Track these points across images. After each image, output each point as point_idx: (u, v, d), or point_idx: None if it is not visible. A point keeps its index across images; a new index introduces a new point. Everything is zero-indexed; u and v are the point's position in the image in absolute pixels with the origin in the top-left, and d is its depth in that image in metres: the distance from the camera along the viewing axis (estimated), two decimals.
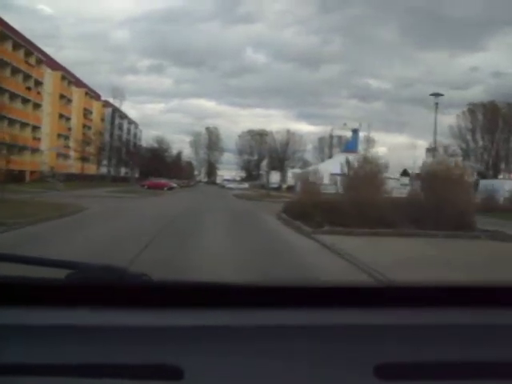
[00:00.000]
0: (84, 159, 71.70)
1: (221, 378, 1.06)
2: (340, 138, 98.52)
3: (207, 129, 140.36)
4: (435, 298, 1.26)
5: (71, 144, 70.18)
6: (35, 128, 63.60)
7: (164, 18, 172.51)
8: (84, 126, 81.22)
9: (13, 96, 57.77)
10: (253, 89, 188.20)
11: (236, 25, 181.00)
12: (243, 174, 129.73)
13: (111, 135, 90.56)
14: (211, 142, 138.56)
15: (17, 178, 44.85)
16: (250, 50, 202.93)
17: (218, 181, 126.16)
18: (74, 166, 77.54)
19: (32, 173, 62.06)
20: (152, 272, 1.34)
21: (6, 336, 1.13)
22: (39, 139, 65.15)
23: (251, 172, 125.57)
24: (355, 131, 72.31)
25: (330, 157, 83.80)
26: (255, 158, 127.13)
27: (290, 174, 67.61)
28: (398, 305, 1.24)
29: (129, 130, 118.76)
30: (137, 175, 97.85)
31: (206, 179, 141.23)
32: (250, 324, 1.18)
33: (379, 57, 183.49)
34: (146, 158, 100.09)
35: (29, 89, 62.03)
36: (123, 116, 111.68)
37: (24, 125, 60.10)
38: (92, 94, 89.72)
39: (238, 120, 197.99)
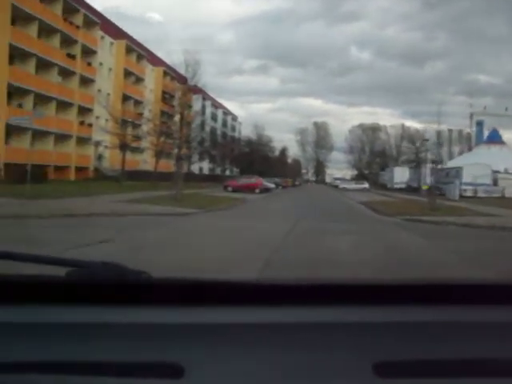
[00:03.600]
0: (161, 154, 53.71)
1: (221, 376, 1.06)
2: (460, 132, 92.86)
3: (315, 123, 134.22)
4: (433, 296, 1.24)
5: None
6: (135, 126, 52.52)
7: (268, 19, 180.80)
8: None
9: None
10: (358, 87, 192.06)
11: (340, 24, 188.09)
12: (353, 173, 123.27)
13: (201, 126, 72.87)
14: (319, 137, 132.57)
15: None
16: (354, 49, 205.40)
17: (328, 180, 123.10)
18: (149, 162, 62.91)
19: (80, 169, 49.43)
20: (152, 270, 1.33)
21: (7, 334, 1.13)
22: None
23: (362, 170, 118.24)
24: (479, 124, 67.18)
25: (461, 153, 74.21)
26: (366, 154, 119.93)
27: (428, 171, 47.37)
28: (397, 302, 1.22)
29: (224, 121, 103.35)
30: (227, 173, 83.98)
31: (313, 178, 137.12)
32: (249, 322, 1.17)
33: (487, 51, 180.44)
34: (244, 153, 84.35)
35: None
36: (217, 105, 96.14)
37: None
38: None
39: (345, 118, 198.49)
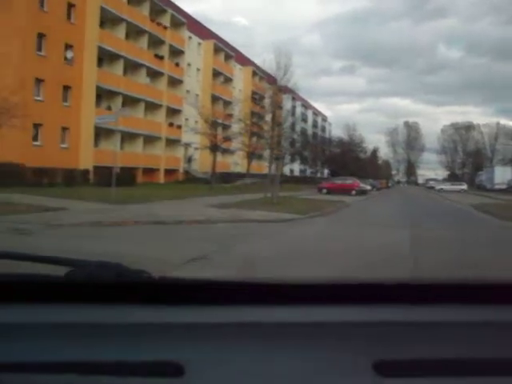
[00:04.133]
0: (253, 155, 51.86)
1: (221, 375, 1.06)
2: None
3: (406, 123, 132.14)
4: (434, 295, 1.25)
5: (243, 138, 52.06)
6: (225, 127, 51.32)
7: (353, 18, 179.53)
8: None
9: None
10: (448, 85, 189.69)
11: (427, 21, 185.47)
12: (445, 173, 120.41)
13: (292, 126, 70.86)
14: (410, 138, 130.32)
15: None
16: (442, 46, 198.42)
17: (420, 181, 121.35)
18: (240, 163, 62.25)
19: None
20: (151, 269, 1.32)
21: (6, 334, 1.13)
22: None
23: (455, 171, 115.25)
24: None
25: None
26: (459, 154, 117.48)
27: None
28: (398, 302, 1.23)
29: (315, 122, 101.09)
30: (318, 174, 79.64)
31: (404, 179, 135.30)
32: (250, 321, 1.17)
33: None
34: (335, 154, 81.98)
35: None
36: (307, 105, 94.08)
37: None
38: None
39: (433, 118, 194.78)
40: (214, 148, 42.35)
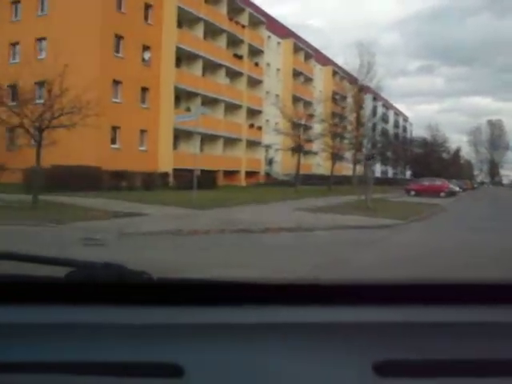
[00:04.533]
0: (337, 156, 49.76)
1: (221, 376, 1.06)
2: None
3: (489, 122, 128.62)
4: (434, 296, 1.25)
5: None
6: (306, 128, 47.99)
7: (431, 16, 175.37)
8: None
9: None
10: None
11: (508, 14, 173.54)
12: None
13: (373, 127, 68.42)
14: (494, 136, 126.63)
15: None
16: None
17: (505, 181, 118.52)
18: (322, 165, 60.12)
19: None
20: (152, 270, 1.31)
21: (7, 334, 1.14)
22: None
23: None
24: None
25: None
26: None
27: None
28: (398, 302, 1.23)
29: (396, 122, 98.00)
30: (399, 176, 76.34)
31: (487, 180, 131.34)
32: (249, 321, 1.18)
33: None
34: (417, 154, 79.10)
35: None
36: (388, 106, 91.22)
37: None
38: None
39: None
40: (298, 149, 40.54)
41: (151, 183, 30.97)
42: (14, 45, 35.65)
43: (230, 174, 45.18)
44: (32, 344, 1.12)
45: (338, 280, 1.37)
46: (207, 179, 34.20)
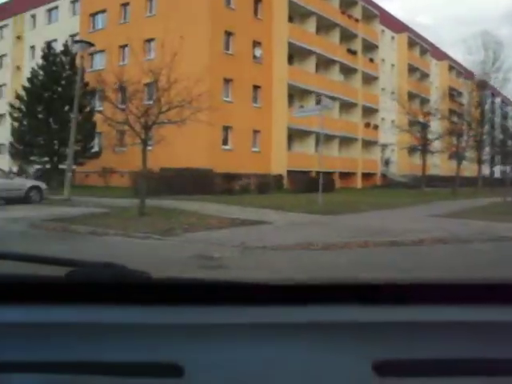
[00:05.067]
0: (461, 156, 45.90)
1: (221, 376, 1.07)
2: None
3: None
4: (434, 295, 1.25)
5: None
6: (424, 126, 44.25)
7: None
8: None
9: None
10: None
11: None
12: None
13: (492, 124, 63.46)
14: None
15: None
16: None
17: None
18: (439, 166, 56.17)
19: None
20: (152, 270, 1.30)
21: (7, 334, 1.14)
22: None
23: None
24: None
25: None
26: None
27: None
28: (398, 302, 1.23)
29: None
30: None
31: None
32: (249, 321, 1.18)
33: None
34: None
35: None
36: (507, 102, 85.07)
37: None
38: None
39: None
40: (423, 148, 37.40)
41: (265, 186, 28.88)
42: (122, 47, 35.00)
43: (346, 175, 42.58)
44: (32, 344, 1.11)
45: (337, 280, 1.39)
46: (325, 181, 31.82)
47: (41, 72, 33.18)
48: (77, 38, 35.72)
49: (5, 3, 51.89)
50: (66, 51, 33.82)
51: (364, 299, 1.23)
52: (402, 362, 1.09)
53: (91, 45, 23.02)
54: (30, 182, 20.99)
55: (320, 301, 1.21)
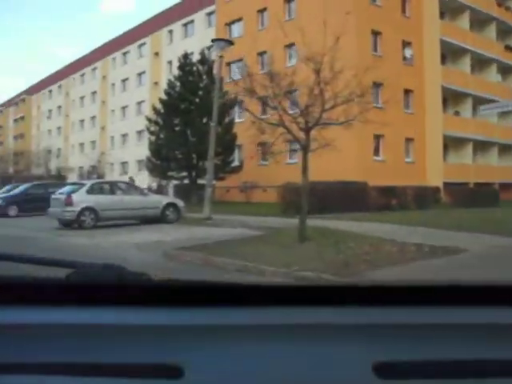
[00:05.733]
0: None
1: (220, 377, 1.07)
2: None
3: None
4: (434, 297, 1.26)
5: None
6: None
7: None
8: None
9: None
10: None
11: None
12: None
13: None
14: None
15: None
16: None
17: None
18: None
19: None
20: (151, 271, 1.34)
21: (7, 335, 1.15)
22: None
23: None
24: None
25: None
26: None
27: None
28: (398, 303, 1.23)
29: None
30: None
31: None
32: (249, 323, 1.18)
33: None
34: None
35: None
36: None
37: None
38: None
39: None
40: None
41: (423, 201, 25.52)
42: (260, 54, 33.09)
43: (507, 187, 37.71)
44: (32, 345, 1.12)
45: (337, 282, 1.28)
46: (486, 194, 28.00)
47: (177, 83, 32.01)
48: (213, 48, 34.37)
49: (143, 22, 52.63)
50: (203, 60, 32.47)
51: (364, 301, 1.22)
52: (402, 363, 1.09)
53: (231, 43, 20.90)
54: (166, 200, 19.54)
55: (320, 302, 1.21)
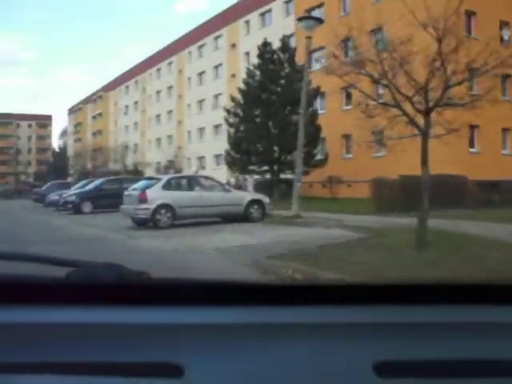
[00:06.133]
0: None
1: (221, 376, 1.07)
2: None
3: None
4: (434, 296, 1.25)
5: None
6: None
7: None
8: None
9: None
10: None
11: None
12: None
13: None
14: None
15: None
16: None
17: None
18: None
19: None
20: (151, 270, 1.33)
21: (7, 335, 1.14)
22: None
23: None
24: None
25: None
26: None
27: None
28: (398, 302, 1.23)
29: None
30: None
31: None
32: (249, 322, 1.18)
33: None
34: None
35: None
36: None
37: None
38: None
39: None
40: None
41: None
42: (344, 41, 31.31)
43: None
44: (32, 344, 1.12)
45: (337, 280, 1.32)
46: None
47: (257, 72, 30.53)
48: (292, 38, 32.84)
49: (219, 14, 51.76)
50: (284, 47, 30.77)
51: (364, 300, 1.22)
52: (403, 362, 1.10)
53: (320, 21, 19.21)
54: (249, 196, 17.74)
55: (320, 301, 1.21)
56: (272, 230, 13.72)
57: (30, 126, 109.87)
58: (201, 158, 52.54)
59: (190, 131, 55.89)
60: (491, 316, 1.19)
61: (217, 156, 47.91)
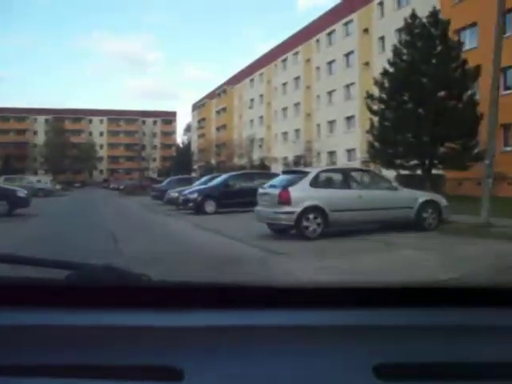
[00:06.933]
0: None
1: (221, 379, 1.08)
2: None
3: None
4: (433, 299, 1.26)
5: None
6: None
7: None
8: None
9: None
10: None
11: None
12: None
13: None
14: None
15: None
16: None
17: None
18: None
19: None
20: (152, 273, 1.33)
21: (7, 337, 1.15)
22: None
23: None
24: None
25: None
26: None
27: None
28: (398, 305, 1.24)
29: None
30: None
31: None
32: (249, 324, 1.19)
33: None
34: None
35: None
36: None
37: None
38: None
39: None
40: None
41: None
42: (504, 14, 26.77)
43: None
44: (32, 347, 1.12)
45: (337, 283, 1.40)
46: None
47: (404, 50, 26.18)
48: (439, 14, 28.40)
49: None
50: (436, 21, 26.17)
51: (364, 302, 1.23)
52: (403, 365, 1.10)
53: None
54: (423, 196, 13.51)
55: (320, 304, 1.21)
56: (465, 243, 9.95)
57: (155, 122, 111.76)
58: (331, 153, 48.88)
59: (320, 124, 52.42)
60: (491, 319, 1.18)
61: (349, 151, 44.32)
